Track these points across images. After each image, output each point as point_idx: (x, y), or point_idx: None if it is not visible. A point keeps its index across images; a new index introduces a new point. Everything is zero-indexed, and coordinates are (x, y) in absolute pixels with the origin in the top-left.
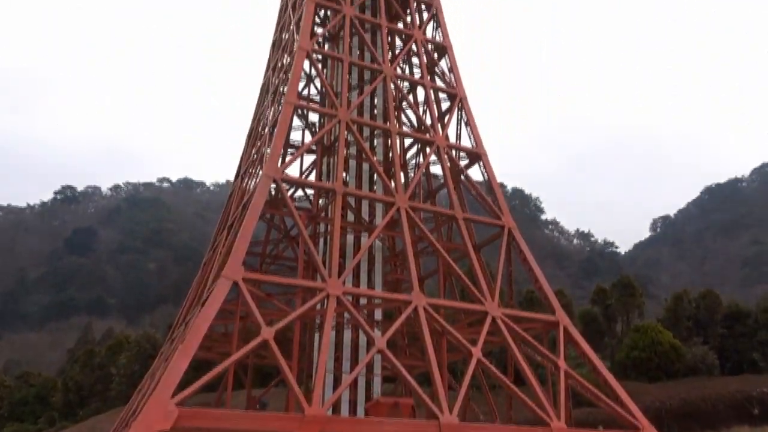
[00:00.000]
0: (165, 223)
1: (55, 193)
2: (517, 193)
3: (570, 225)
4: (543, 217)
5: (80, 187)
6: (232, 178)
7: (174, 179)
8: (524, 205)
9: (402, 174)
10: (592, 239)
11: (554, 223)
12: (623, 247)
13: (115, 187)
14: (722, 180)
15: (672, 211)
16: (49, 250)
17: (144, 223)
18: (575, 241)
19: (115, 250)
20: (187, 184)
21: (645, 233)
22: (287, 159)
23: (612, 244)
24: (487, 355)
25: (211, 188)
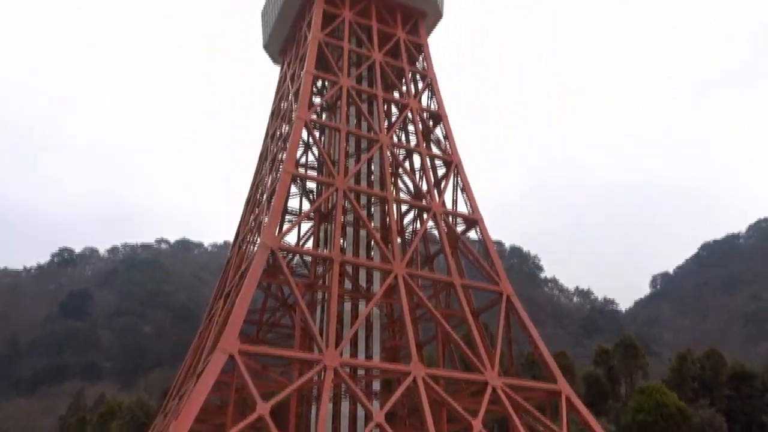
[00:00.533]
0: (162, 285)
1: (53, 255)
2: (515, 251)
3: (569, 282)
4: (542, 275)
5: (78, 249)
6: (229, 238)
7: (172, 240)
8: (522, 263)
9: (399, 240)
10: (592, 297)
11: (553, 281)
12: (623, 304)
13: (113, 249)
14: (719, 236)
15: (671, 268)
16: (44, 313)
17: (141, 284)
18: (575, 299)
19: (111, 313)
20: (185, 245)
21: (645, 290)
22: (285, 227)
23: (612, 302)
24: (489, 426)
25: (209, 249)
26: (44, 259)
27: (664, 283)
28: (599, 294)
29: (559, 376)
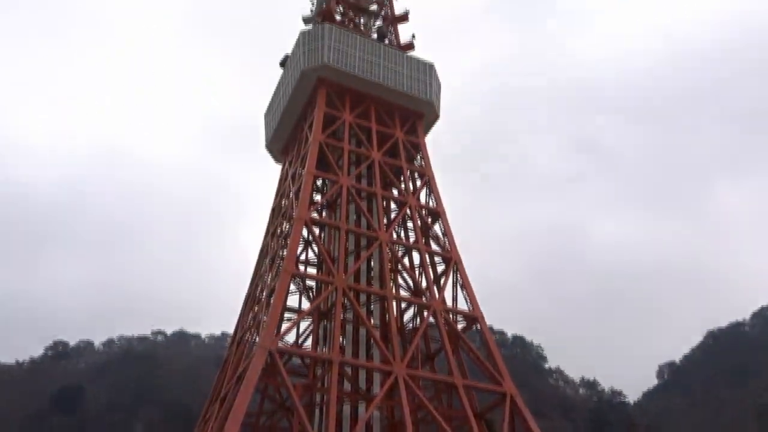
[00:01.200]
0: (157, 379)
1: (46, 348)
2: (518, 340)
3: (574, 372)
4: (546, 365)
5: (73, 342)
6: (227, 329)
7: (169, 332)
8: (526, 353)
9: (400, 338)
10: (599, 388)
11: (558, 371)
12: (631, 395)
13: (108, 342)
14: (723, 324)
15: (677, 357)
16: (35, 409)
17: (135, 379)
18: (581, 390)
19: (103, 408)
20: (182, 336)
21: (652, 379)
22: (284, 326)
23: (620, 393)
24: None
25: (207, 341)
26: (38, 352)
27: (671, 374)
28: (606, 384)
29: None
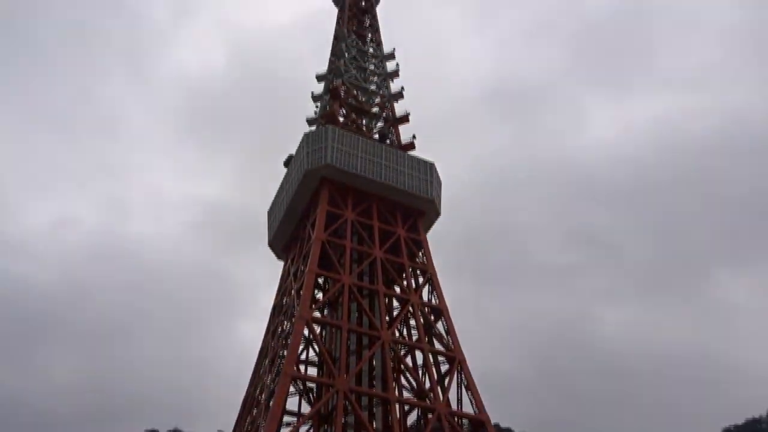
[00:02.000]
0: None
1: None
2: None
3: None
4: None
5: None
6: (225, 428)
7: (164, 430)
8: None
9: None
10: None
11: None
12: None
13: None
14: (740, 420)
15: None
16: None
17: None
18: None
19: None
20: None
21: None
22: (283, 431)
23: None
24: None
25: None
26: None
27: None
28: None
29: None
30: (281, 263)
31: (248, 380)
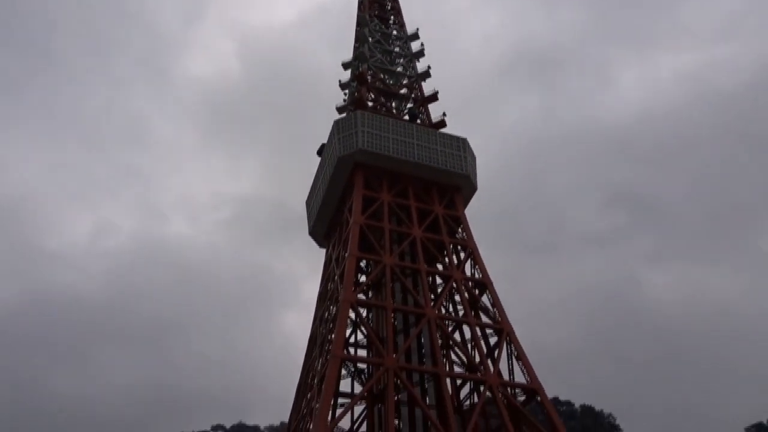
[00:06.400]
0: None
1: None
2: (587, 410)
3: None
4: None
5: None
6: (285, 418)
7: (228, 425)
8: (597, 424)
9: (458, 416)
10: None
11: None
12: None
13: None
14: None
15: (764, 417)
16: None
17: None
18: None
19: None
20: (241, 429)
21: None
22: (337, 412)
23: None
24: None
25: None
26: None
27: None
28: None
29: None
30: (318, 254)
31: (298, 368)
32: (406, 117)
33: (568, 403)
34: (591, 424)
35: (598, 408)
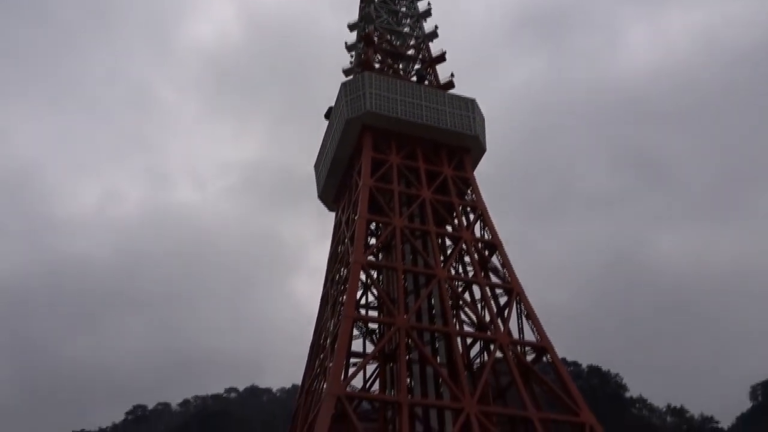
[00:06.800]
0: None
1: (127, 413)
2: (594, 371)
3: (658, 400)
4: (627, 395)
5: (151, 405)
6: (297, 381)
7: (241, 388)
8: (604, 383)
9: (468, 374)
10: (688, 415)
11: (641, 400)
12: (724, 420)
13: (185, 402)
14: None
15: None
16: None
17: None
18: (668, 418)
19: None
20: (253, 392)
21: (746, 402)
22: (350, 371)
23: (711, 419)
24: None
25: (278, 394)
26: (119, 417)
27: (767, 394)
28: (695, 410)
29: None
30: (325, 219)
31: (309, 333)
32: (414, 78)
33: (575, 364)
34: (598, 384)
35: (605, 368)
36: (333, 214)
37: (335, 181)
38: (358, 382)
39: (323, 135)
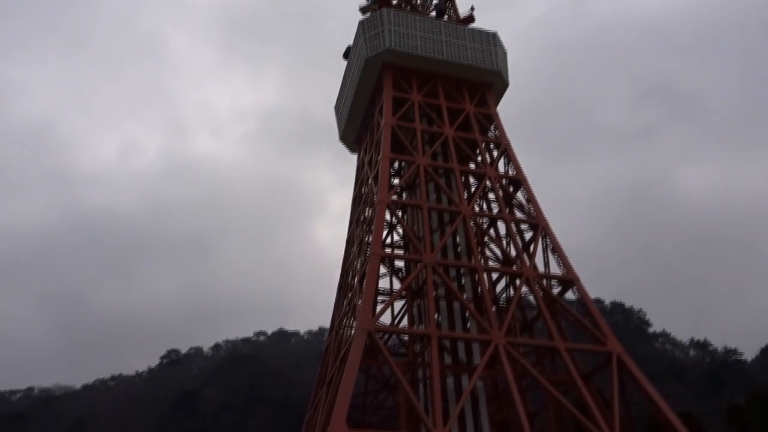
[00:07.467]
0: (263, 378)
1: (161, 357)
2: (617, 307)
3: (682, 334)
4: (650, 330)
5: (184, 349)
6: (323, 324)
7: (269, 332)
8: (627, 319)
9: (494, 308)
10: (711, 348)
11: (664, 335)
12: (748, 352)
13: (216, 346)
14: None
15: None
16: (156, 415)
17: (244, 379)
18: (692, 352)
19: (219, 409)
20: (282, 335)
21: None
22: (378, 308)
23: (735, 352)
24: None
25: (306, 337)
26: (154, 362)
27: None
28: (718, 343)
29: None
30: (343, 164)
31: (332, 278)
32: (433, 13)
33: (598, 301)
34: (621, 320)
35: (628, 305)
36: (351, 160)
37: (356, 122)
38: (385, 321)
39: (342, 76)
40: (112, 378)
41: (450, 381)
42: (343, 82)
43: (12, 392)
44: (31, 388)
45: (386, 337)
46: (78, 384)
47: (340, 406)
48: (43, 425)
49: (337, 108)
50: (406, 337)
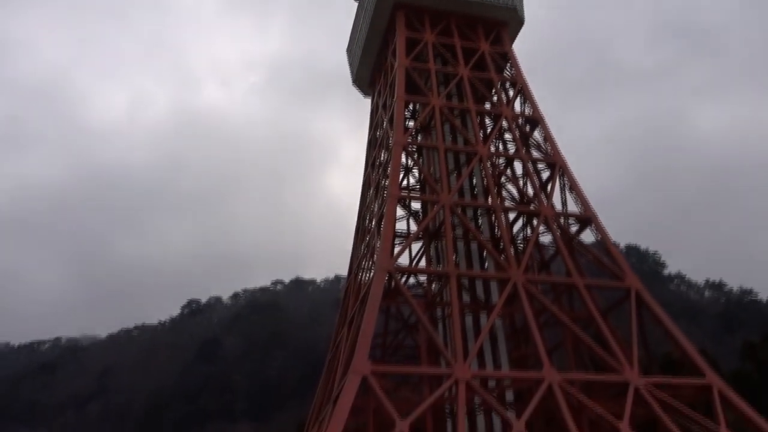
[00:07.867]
0: (281, 325)
1: (182, 307)
2: (632, 250)
3: (697, 276)
4: (665, 271)
5: (204, 299)
6: (340, 272)
7: (287, 280)
8: (642, 261)
9: (512, 248)
10: (726, 289)
11: (679, 276)
12: (763, 292)
13: (235, 296)
14: None
15: None
16: (180, 363)
17: (263, 327)
18: (707, 293)
19: (240, 356)
20: (298, 284)
21: None
22: (396, 250)
23: (750, 292)
24: (635, 430)
25: (322, 285)
26: (175, 311)
27: None
28: (734, 284)
29: (707, 370)
30: (354, 112)
31: (346, 226)
32: None
33: (614, 244)
34: (636, 263)
35: (643, 247)
36: (362, 107)
37: (370, 65)
38: (403, 262)
39: (354, 18)
40: (136, 327)
41: (469, 319)
42: (354, 23)
43: (40, 343)
44: (58, 339)
45: (404, 278)
46: (103, 334)
47: (362, 343)
48: (71, 373)
49: (349, 51)
50: (423, 279)
